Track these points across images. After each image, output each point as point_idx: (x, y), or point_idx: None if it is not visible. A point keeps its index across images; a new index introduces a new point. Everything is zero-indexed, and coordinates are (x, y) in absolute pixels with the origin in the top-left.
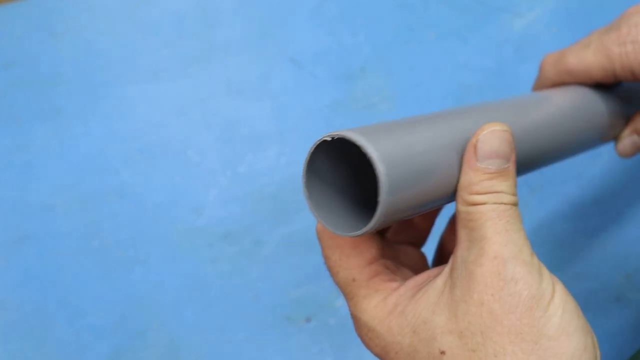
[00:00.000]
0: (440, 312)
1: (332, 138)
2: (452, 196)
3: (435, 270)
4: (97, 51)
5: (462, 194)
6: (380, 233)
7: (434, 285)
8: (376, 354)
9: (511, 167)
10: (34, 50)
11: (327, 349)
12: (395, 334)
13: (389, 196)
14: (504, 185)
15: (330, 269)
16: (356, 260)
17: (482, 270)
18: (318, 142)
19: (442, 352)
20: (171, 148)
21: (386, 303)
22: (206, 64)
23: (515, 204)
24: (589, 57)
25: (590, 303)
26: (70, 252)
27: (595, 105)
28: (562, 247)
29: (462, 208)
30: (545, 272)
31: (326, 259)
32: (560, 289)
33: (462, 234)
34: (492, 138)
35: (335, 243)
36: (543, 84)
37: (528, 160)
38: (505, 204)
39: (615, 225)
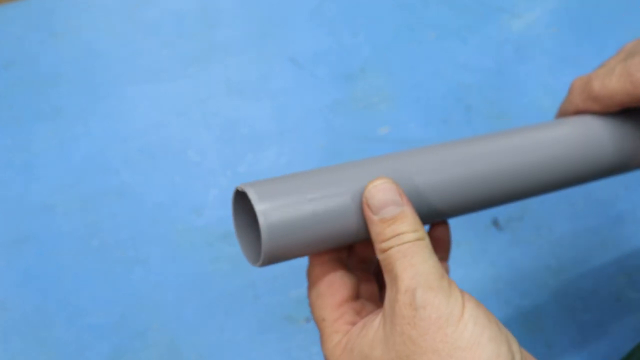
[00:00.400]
0: (376, 347)
1: (240, 190)
2: (355, 236)
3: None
4: (97, 51)
5: (375, 245)
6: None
7: (373, 325)
8: None
9: (406, 208)
10: (33, 50)
11: None
12: (351, 356)
13: (269, 241)
14: (403, 226)
15: (310, 304)
16: (328, 301)
17: (398, 304)
18: (234, 192)
19: None
20: (171, 148)
21: (341, 342)
22: (206, 64)
23: (419, 239)
24: (614, 83)
25: (591, 303)
26: (70, 252)
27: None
28: (562, 246)
29: (379, 256)
30: (455, 292)
31: (308, 295)
32: (470, 305)
33: (385, 278)
34: (377, 192)
35: (314, 282)
36: (567, 108)
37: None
38: (407, 242)
39: (616, 224)
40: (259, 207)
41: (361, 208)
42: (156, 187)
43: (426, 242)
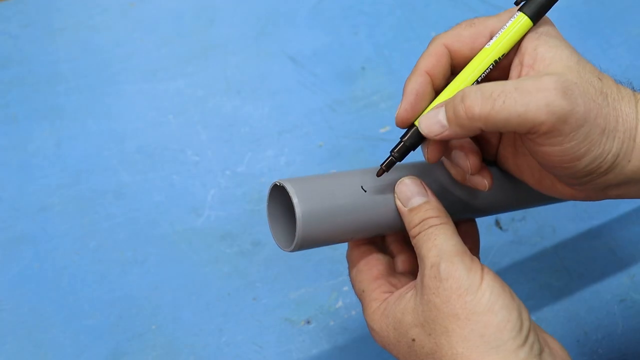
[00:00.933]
0: (408, 313)
1: (278, 184)
2: (377, 228)
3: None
4: (94, 50)
5: (409, 233)
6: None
7: (406, 296)
8: (380, 345)
9: (430, 198)
10: (30, 49)
11: (328, 350)
12: (383, 330)
13: (303, 230)
14: (428, 213)
15: (351, 281)
16: (365, 276)
17: (425, 278)
18: (271, 186)
19: (413, 340)
20: (169, 148)
21: (379, 308)
22: (205, 63)
23: (443, 223)
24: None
25: (594, 304)
26: (67, 252)
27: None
28: (566, 248)
29: (412, 242)
30: (475, 266)
31: (349, 274)
32: (488, 277)
33: (418, 259)
34: (404, 186)
35: (353, 262)
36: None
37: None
38: (432, 226)
39: (620, 226)
40: (296, 199)
41: (381, 204)
42: (154, 187)
43: (449, 226)
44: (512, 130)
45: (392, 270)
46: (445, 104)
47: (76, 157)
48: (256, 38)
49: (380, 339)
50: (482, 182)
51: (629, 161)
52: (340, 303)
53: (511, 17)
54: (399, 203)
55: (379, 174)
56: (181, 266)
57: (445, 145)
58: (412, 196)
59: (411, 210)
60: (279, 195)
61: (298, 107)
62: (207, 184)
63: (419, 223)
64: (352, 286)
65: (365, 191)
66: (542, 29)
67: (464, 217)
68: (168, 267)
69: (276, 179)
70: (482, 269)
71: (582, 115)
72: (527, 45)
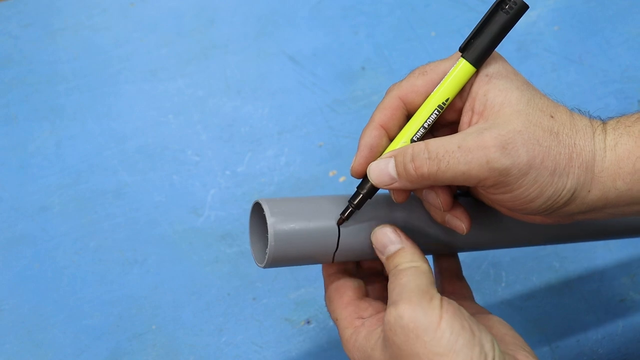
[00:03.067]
0: (376, 349)
1: (257, 202)
2: (352, 257)
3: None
4: (94, 50)
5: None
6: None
7: (375, 332)
8: None
9: (404, 243)
10: (30, 49)
11: (328, 350)
12: (355, 355)
13: (274, 248)
14: (401, 258)
15: (327, 309)
16: (337, 303)
17: (387, 316)
18: (253, 203)
19: None
20: (169, 147)
21: (351, 338)
22: (205, 63)
23: (413, 267)
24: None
25: (595, 304)
26: (67, 253)
27: None
28: (566, 248)
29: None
30: (434, 306)
31: (325, 303)
32: (447, 315)
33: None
34: (378, 236)
35: (326, 290)
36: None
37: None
38: (401, 269)
39: None
40: (272, 219)
41: (352, 235)
42: (154, 187)
43: (420, 269)
44: (462, 184)
45: (362, 294)
46: (395, 157)
47: (76, 157)
48: (256, 38)
49: None
50: (460, 225)
51: (589, 191)
52: None
53: (454, 63)
54: (377, 252)
55: (339, 223)
56: (181, 266)
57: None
58: (387, 244)
59: (387, 258)
60: (260, 213)
61: (298, 107)
62: (207, 184)
63: (392, 268)
64: (329, 313)
65: (339, 226)
66: (493, 70)
67: (446, 253)
68: (168, 267)
69: (276, 178)
70: (442, 307)
71: (526, 164)
72: (477, 90)
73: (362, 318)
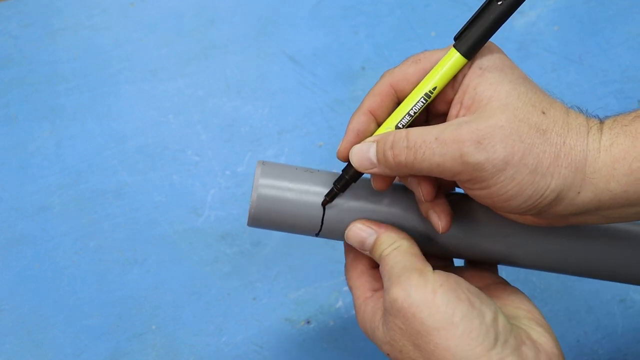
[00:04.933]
0: (378, 328)
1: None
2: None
3: None
4: (94, 49)
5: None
6: None
7: (378, 313)
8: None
9: (378, 231)
10: (30, 48)
11: (328, 350)
12: (362, 326)
13: (256, 209)
14: (381, 247)
15: (345, 279)
16: (352, 273)
17: (384, 305)
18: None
19: (387, 354)
20: (169, 147)
21: (360, 309)
22: (205, 63)
23: (394, 249)
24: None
25: (595, 304)
26: (67, 253)
27: None
28: None
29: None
30: (426, 282)
31: (344, 270)
32: (442, 290)
33: None
34: (351, 237)
35: (346, 257)
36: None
37: None
38: (385, 256)
39: None
40: (259, 181)
41: (336, 216)
42: (154, 187)
43: (401, 249)
44: (439, 176)
45: (376, 263)
46: (377, 142)
47: (76, 157)
48: (256, 38)
49: (362, 328)
50: (436, 222)
51: (579, 193)
52: (340, 303)
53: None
54: (360, 250)
55: (323, 204)
56: (181, 266)
57: (390, 176)
58: (364, 239)
59: (370, 252)
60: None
61: (298, 107)
62: (207, 184)
63: (378, 259)
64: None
65: (323, 207)
66: (488, 62)
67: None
68: (168, 267)
69: None
70: (435, 282)
71: (501, 160)
72: (468, 82)
73: (374, 290)
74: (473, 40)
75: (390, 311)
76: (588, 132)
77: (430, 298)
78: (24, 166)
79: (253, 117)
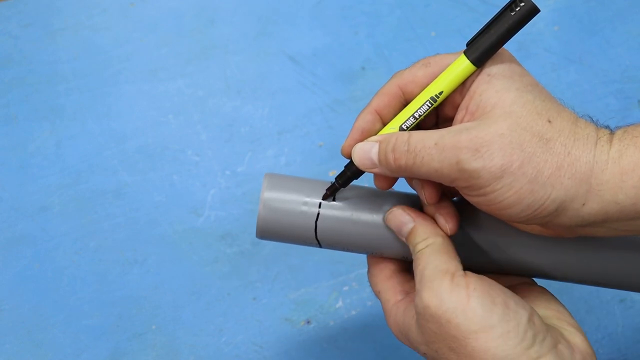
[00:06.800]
0: (412, 329)
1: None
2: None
3: None
4: (94, 49)
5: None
6: None
7: (411, 313)
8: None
9: (416, 220)
10: (30, 48)
11: (328, 350)
12: (399, 336)
13: (263, 219)
14: (416, 238)
15: (370, 285)
16: (378, 277)
17: (416, 308)
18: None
19: (424, 353)
20: (169, 148)
21: (392, 311)
22: (205, 63)
23: (427, 245)
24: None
25: (594, 304)
26: (67, 253)
27: None
28: None
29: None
30: (457, 286)
31: (368, 279)
32: (475, 294)
33: None
34: (390, 220)
35: (369, 266)
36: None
37: None
38: (418, 251)
39: None
40: (266, 194)
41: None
42: (154, 187)
43: (434, 247)
44: (438, 181)
45: (403, 268)
46: (380, 142)
47: (76, 157)
48: (256, 38)
49: (394, 331)
50: (444, 224)
51: (584, 204)
52: (340, 303)
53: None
54: (399, 237)
55: (324, 198)
56: (181, 266)
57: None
58: (401, 225)
59: (406, 239)
60: None
61: (298, 107)
62: (207, 184)
63: (412, 248)
64: (372, 288)
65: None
66: (497, 70)
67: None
68: (168, 267)
69: None
70: (468, 286)
71: (498, 168)
72: (475, 89)
73: (405, 292)
74: (483, 49)
75: (423, 316)
76: (596, 143)
77: (464, 302)
78: (24, 166)
79: (253, 117)
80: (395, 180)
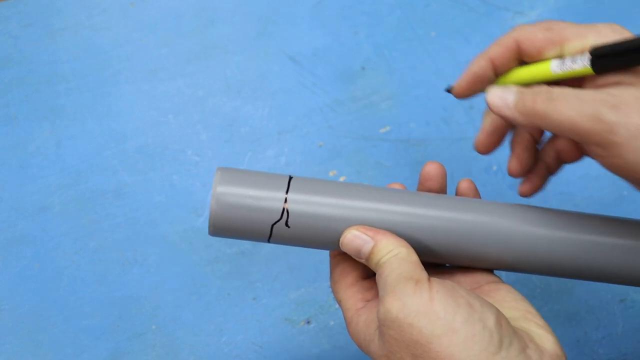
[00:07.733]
0: (373, 340)
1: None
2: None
3: None
4: (94, 49)
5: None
6: None
7: (372, 324)
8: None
9: (377, 238)
10: (30, 49)
11: (328, 350)
12: (355, 339)
13: (214, 215)
14: (378, 255)
15: (332, 292)
16: (341, 285)
17: (378, 315)
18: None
19: None
20: (169, 148)
21: (352, 320)
22: (205, 63)
23: (392, 256)
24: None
25: (595, 304)
26: (67, 253)
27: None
28: None
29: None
30: (420, 289)
31: (330, 283)
32: (438, 296)
33: None
34: (346, 245)
35: (331, 273)
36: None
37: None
38: (382, 263)
39: None
40: (218, 189)
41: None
42: (154, 187)
43: (399, 257)
44: (568, 136)
45: (366, 274)
46: (519, 89)
47: (76, 157)
48: (256, 38)
49: (354, 341)
50: (523, 185)
51: None
52: None
53: (581, 60)
54: (357, 259)
55: (447, 90)
56: (181, 266)
57: (500, 135)
58: (360, 246)
59: (367, 260)
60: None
61: (298, 107)
62: (207, 184)
63: (374, 266)
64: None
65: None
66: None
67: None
68: (168, 267)
69: None
70: (431, 289)
71: (636, 127)
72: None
73: (366, 300)
74: (612, 66)
75: (384, 322)
76: None
77: (427, 306)
78: (24, 166)
79: (253, 117)
80: (498, 144)
